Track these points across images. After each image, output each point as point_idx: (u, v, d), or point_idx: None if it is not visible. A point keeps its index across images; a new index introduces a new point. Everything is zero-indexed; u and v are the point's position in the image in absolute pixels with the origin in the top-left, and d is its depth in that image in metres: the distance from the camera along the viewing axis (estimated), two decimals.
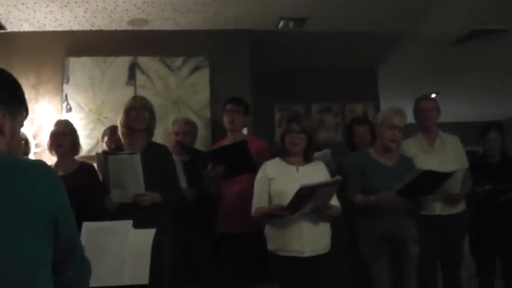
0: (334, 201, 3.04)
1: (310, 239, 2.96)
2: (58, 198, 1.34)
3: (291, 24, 4.78)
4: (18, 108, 1.43)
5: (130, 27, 4.67)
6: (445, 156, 3.65)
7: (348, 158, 3.52)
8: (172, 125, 4.14)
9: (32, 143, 3.97)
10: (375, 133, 3.50)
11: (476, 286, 4.11)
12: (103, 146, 4.00)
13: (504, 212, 3.88)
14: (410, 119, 3.84)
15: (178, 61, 4.72)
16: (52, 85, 4.55)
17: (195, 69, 4.72)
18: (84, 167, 3.48)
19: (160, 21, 4.57)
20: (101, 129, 4.30)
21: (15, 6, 4.09)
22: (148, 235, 2.34)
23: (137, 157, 2.94)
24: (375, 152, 3.38)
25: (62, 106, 4.53)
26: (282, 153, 3.18)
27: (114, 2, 4.13)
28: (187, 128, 4.01)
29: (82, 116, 4.52)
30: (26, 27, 4.52)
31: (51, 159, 3.52)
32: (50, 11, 4.24)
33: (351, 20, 4.75)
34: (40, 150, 4.14)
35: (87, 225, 2.26)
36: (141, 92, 4.45)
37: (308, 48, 5.49)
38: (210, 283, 3.56)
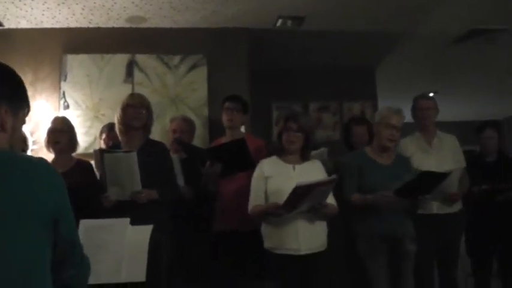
0: (331, 200, 3.04)
1: (306, 237, 2.96)
2: (57, 199, 1.33)
3: (289, 22, 4.78)
4: (20, 104, 1.42)
5: (128, 25, 4.66)
6: (443, 156, 3.65)
7: (345, 157, 3.52)
8: (169, 123, 4.13)
9: (29, 140, 3.96)
10: (372, 132, 3.50)
11: (473, 285, 4.11)
12: (101, 143, 4.00)
13: (501, 212, 3.88)
14: (408, 117, 3.84)
15: (176, 59, 4.71)
16: (49, 82, 4.54)
17: (193, 67, 4.71)
18: (81, 164, 3.47)
19: (158, 18, 4.56)
20: (98, 126, 4.29)
21: (13, 3, 4.08)
22: (145, 232, 2.34)
23: (134, 155, 2.93)
24: (371, 151, 3.38)
25: (59, 103, 4.52)
26: (279, 151, 3.18)
27: None
28: (185, 126, 4.00)
29: (79, 113, 4.51)
30: (24, 24, 4.51)
31: (48, 156, 3.51)
32: (48, 8, 4.23)
33: (349, 19, 4.75)
34: (37, 147, 4.13)
35: (84, 223, 2.25)
36: (138, 90, 4.45)
37: (306, 47, 5.49)
38: (208, 281, 3.55)
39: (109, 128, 3.85)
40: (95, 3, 4.17)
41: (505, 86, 7.52)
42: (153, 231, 2.37)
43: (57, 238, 1.33)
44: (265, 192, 3.07)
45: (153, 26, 4.70)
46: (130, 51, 4.66)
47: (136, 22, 4.61)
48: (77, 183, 2.98)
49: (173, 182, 3.24)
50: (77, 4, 4.18)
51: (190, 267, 3.60)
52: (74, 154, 3.60)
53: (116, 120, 3.23)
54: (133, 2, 4.20)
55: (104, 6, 4.24)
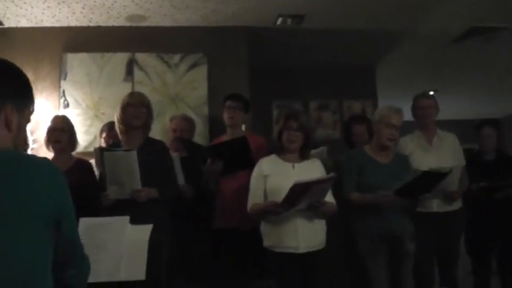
0: (330, 198, 3.04)
1: (305, 235, 2.96)
2: (60, 199, 1.32)
3: (289, 21, 4.78)
4: (26, 103, 1.42)
5: (128, 24, 4.66)
6: (443, 154, 3.65)
7: (344, 156, 3.52)
8: (169, 122, 4.14)
9: (30, 139, 3.96)
10: (372, 131, 3.50)
11: (473, 284, 4.11)
12: (101, 142, 4.00)
13: (499, 210, 3.88)
14: (408, 116, 3.84)
15: (176, 58, 4.71)
16: (49, 81, 4.55)
17: (193, 65, 4.72)
18: (81, 163, 3.47)
19: (158, 17, 4.56)
20: (98, 125, 4.30)
21: (13, 1, 4.08)
22: (145, 231, 2.33)
23: (133, 153, 2.93)
24: (371, 150, 3.38)
25: (59, 102, 4.52)
26: (279, 150, 3.18)
27: None
28: (185, 125, 4.00)
29: (79, 112, 4.52)
30: (24, 23, 4.52)
31: (47, 155, 3.51)
32: (48, 7, 4.23)
33: (349, 17, 4.75)
34: (37, 146, 4.13)
35: (83, 221, 2.25)
36: (138, 89, 4.45)
37: (306, 45, 5.49)
38: (208, 280, 3.56)
39: (109, 127, 3.85)
40: (95, 2, 4.17)
41: (505, 85, 7.52)
42: (153, 229, 2.36)
43: (59, 238, 1.33)
44: (265, 191, 3.07)
45: (153, 24, 4.70)
46: (130, 49, 4.67)
47: (136, 21, 4.61)
48: (76, 182, 2.96)
49: (173, 180, 3.24)
50: (77, 3, 4.18)
51: (190, 266, 3.60)
52: (73, 153, 3.60)
53: (115, 119, 3.23)
54: (133, 1, 4.20)
55: (104, 5, 4.24)
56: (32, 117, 1.48)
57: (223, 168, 3.46)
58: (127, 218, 2.36)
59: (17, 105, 1.36)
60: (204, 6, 4.37)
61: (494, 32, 5.19)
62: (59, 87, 4.55)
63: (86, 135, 4.45)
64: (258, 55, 5.12)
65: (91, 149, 4.08)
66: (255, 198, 3.08)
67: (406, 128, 3.65)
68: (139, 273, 2.23)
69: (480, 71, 6.83)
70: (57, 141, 3.41)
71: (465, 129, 4.70)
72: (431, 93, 6.54)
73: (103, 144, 3.86)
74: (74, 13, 4.37)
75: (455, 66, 6.55)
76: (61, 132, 3.43)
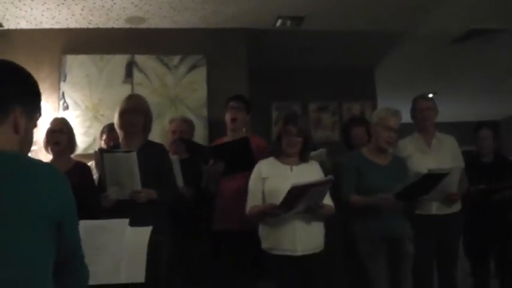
0: (328, 201, 3.04)
1: (302, 238, 2.96)
2: (62, 202, 1.33)
3: (288, 22, 4.79)
4: (35, 107, 1.43)
5: (127, 25, 4.67)
6: (442, 156, 3.65)
7: (343, 158, 3.52)
8: (169, 124, 4.13)
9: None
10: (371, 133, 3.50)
11: (472, 285, 4.11)
12: (101, 144, 3.99)
13: (497, 211, 3.89)
14: (407, 118, 3.85)
15: (176, 59, 4.72)
16: (49, 83, 4.55)
17: (193, 67, 4.72)
18: (80, 165, 3.46)
19: (158, 19, 4.56)
20: (98, 127, 4.30)
21: (12, 3, 4.08)
22: (144, 233, 2.33)
23: (133, 155, 2.93)
24: (368, 152, 3.38)
25: (58, 104, 4.52)
26: (278, 153, 3.18)
27: (112, 0, 4.13)
28: (185, 127, 4.00)
29: (79, 114, 4.52)
30: (23, 25, 4.52)
31: (47, 157, 3.51)
32: (47, 9, 4.23)
33: (348, 19, 4.76)
34: (36, 148, 4.12)
35: (83, 223, 2.23)
36: (138, 90, 4.45)
37: (305, 47, 5.49)
38: (208, 281, 3.55)
39: (109, 129, 3.85)
40: (94, 3, 4.17)
41: (504, 86, 7.52)
42: (153, 231, 2.36)
43: (61, 241, 1.33)
44: (263, 193, 3.07)
45: (152, 26, 4.70)
46: (129, 51, 4.67)
47: (135, 22, 4.61)
48: (74, 185, 2.96)
49: (172, 182, 3.24)
50: (76, 5, 4.18)
51: (190, 267, 3.60)
52: (73, 155, 3.59)
53: (114, 122, 3.23)
54: (132, 3, 4.20)
55: (103, 6, 4.24)
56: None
57: (224, 169, 3.46)
58: (127, 220, 2.36)
59: (26, 109, 1.38)
60: (203, 8, 4.37)
61: (494, 34, 5.19)
62: (59, 89, 4.55)
63: (85, 137, 4.45)
64: (258, 57, 5.12)
65: (90, 151, 4.08)
66: (253, 200, 3.08)
67: (405, 130, 3.65)
68: (139, 275, 2.23)
69: (480, 73, 6.83)
70: (56, 143, 3.41)
71: (464, 132, 4.69)
72: (431, 95, 6.54)
73: (103, 146, 3.86)
74: (73, 15, 4.37)
75: (454, 67, 6.56)
76: (60, 134, 3.43)
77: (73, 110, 4.52)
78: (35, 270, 1.26)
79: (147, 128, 3.23)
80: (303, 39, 5.24)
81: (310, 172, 3.10)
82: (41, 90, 1.45)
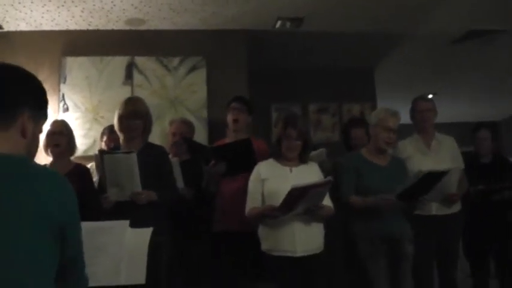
0: (327, 202, 3.05)
1: (302, 239, 2.96)
2: (66, 208, 1.33)
3: (288, 24, 4.79)
4: (42, 113, 1.45)
5: (127, 27, 4.67)
6: (441, 157, 3.65)
7: (342, 158, 3.52)
8: (169, 126, 4.13)
9: None
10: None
11: (472, 286, 4.11)
12: (101, 145, 4.00)
13: (496, 212, 3.89)
14: (406, 119, 3.85)
15: (176, 61, 4.72)
16: (49, 85, 4.54)
17: (192, 69, 4.72)
18: (79, 168, 3.46)
19: (158, 21, 4.57)
20: (98, 128, 4.30)
21: (12, 5, 4.09)
22: (145, 235, 2.33)
23: (133, 156, 2.93)
24: (367, 153, 3.38)
25: (58, 106, 4.52)
26: (277, 155, 3.18)
27: (111, 2, 4.13)
28: (185, 129, 4.00)
29: (79, 116, 4.52)
30: (23, 27, 4.52)
31: (46, 160, 3.51)
32: (47, 11, 4.23)
33: (348, 19, 4.76)
34: None
35: (83, 225, 2.24)
36: (138, 92, 4.46)
37: (305, 48, 5.50)
38: (208, 281, 3.55)
39: (110, 130, 3.85)
40: (94, 5, 4.18)
41: (504, 87, 7.53)
42: (153, 232, 2.37)
43: (63, 247, 1.33)
44: (262, 195, 3.08)
45: (152, 28, 4.70)
46: (129, 53, 4.67)
47: (135, 24, 4.61)
48: (74, 187, 2.97)
49: (172, 184, 3.24)
50: (76, 6, 4.18)
51: (190, 268, 3.60)
52: (73, 157, 3.60)
53: (114, 125, 3.24)
54: (132, 4, 4.20)
55: (103, 8, 4.24)
56: None
57: (226, 170, 3.46)
58: (127, 221, 2.36)
59: (34, 115, 1.40)
60: (203, 9, 4.38)
61: (493, 35, 5.20)
62: (58, 90, 4.55)
63: (85, 139, 4.45)
64: (257, 58, 5.12)
65: (90, 153, 4.08)
66: (252, 201, 3.08)
67: (404, 131, 3.66)
68: (139, 276, 2.23)
69: (480, 73, 6.84)
70: (56, 145, 3.41)
71: (464, 132, 4.70)
72: (430, 96, 6.55)
73: (104, 147, 3.86)
74: (73, 17, 4.38)
75: (454, 68, 6.56)
76: (60, 135, 3.43)
77: (73, 112, 4.52)
78: (35, 270, 1.26)
79: (146, 130, 3.23)
80: (302, 41, 5.24)
81: (309, 173, 3.10)
82: None
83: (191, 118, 4.40)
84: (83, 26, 4.59)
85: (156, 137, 3.94)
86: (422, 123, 3.80)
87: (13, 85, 1.38)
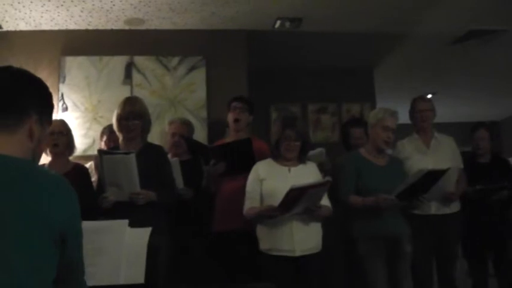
0: (325, 202, 3.05)
1: (300, 238, 2.97)
2: (67, 214, 1.33)
3: (287, 24, 4.79)
4: (48, 118, 1.46)
5: (126, 27, 4.67)
6: (441, 157, 3.65)
7: (341, 158, 3.53)
8: (168, 126, 4.12)
9: None
10: None
11: (471, 286, 4.11)
12: (101, 145, 3.99)
13: (494, 212, 3.89)
14: (406, 119, 3.85)
15: (175, 61, 4.72)
16: (48, 84, 4.38)
17: (192, 68, 4.72)
18: (78, 168, 3.45)
19: (157, 20, 4.57)
20: (97, 128, 4.29)
21: (12, 5, 4.08)
22: (144, 234, 2.33)
23: (132, 156, 2.93)
24: (366, 152, 3.39)
25: (58, 105, 4.51)
26: (276, 156, 3.18)
27: (111, 1, 4.13)
28: (184, 129, 3.99)
29: (78, 115, 4.52)
30: (22, 26, 4.52)
31: (45, 159, 3.51)
32: (46, 10, 4.23)
33: (347, 20, 4.76)
34: None
35: (82, 225, 2.25)
36: (137, 92, 4.46)
37: (305, 48, 5.49)
38: (207, 282, 3.55)
39: (110, 130, 3.84)
40: (93, 5, 4.18)
41: (503, 87, 7.52)
42: (152, 232, 2.37)
43: (63, 252, 1.33)
44: (261, 194, 3.08)
45: (151, 27, 4.70)
46: (128, 53, 4.67)
47: (134, 24, 4.61)
48: (73, 186, 2.97)
49: (171, 184, 3.24)
50: (75, 6, 4.18)
51: (189, 267, 3.60)
52: (72, 157, 3.59)
53: (113, 125, 3.24)
54: (131, 4, 4.20)
55: (102, 8, 4.24)
56: None
57: (226, 169, 3.46)
58: (126, 221, 2.36)
59: (41, 119, 1.41)
60: (202, 9, 4.37)
61: (493, 35, 5.20)
62: (58, 90, 4.54)
63: (85, 139, 4.45)
64: (257, 58, 5.12)
65: (89, 153, 4.08)
66: (251, 201, 3.09)
67: (403, 131, 3.66)
68: (138, 276, 2.23)
69: (479, 73, 6.83)
70: (55, 144, 3.40)
71: (464, 132, 4.69)
72: (430, 96, 6.55)
73: (103, 147, 3.85)
74: (72, 16, 4.38)
75: (454, 68, 6.55)
76: (59, 135, 3.42)
77: (72, 111, 4.52)
78: (35, 275, 1.25)
79: (145, 130, 3.23)
80: (302, 41, 5.24)
81: (308, 173, 3.11)
82: None
83: (191, 118, 4.40)
84: (82, 25, 4.59)
85: (155, 136, 3.94)
86: (421, 123, 3.80)
87: (21, 89, 1.39)
